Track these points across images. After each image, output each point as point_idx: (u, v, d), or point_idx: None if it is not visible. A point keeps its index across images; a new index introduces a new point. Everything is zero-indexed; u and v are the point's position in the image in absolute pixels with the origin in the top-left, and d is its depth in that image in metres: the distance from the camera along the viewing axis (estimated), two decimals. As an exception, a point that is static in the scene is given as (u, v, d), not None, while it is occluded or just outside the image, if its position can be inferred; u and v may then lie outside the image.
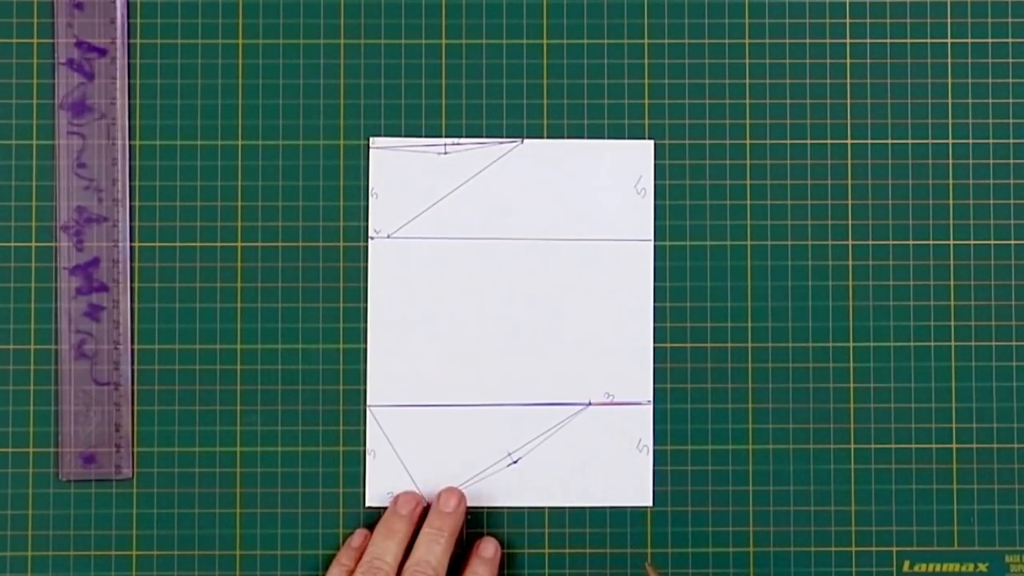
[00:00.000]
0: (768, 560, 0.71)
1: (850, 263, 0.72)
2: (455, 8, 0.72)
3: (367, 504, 0.71)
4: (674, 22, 0.72)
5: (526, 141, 0.72)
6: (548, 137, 0.72)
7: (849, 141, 0.72)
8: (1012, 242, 0.72)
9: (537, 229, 0.71)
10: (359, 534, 0.69)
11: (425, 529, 0.68)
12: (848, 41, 0.72)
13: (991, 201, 0.72)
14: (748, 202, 0.72)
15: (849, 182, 0.72)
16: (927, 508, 0.71)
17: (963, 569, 0.71)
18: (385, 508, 0.70)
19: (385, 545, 0.67)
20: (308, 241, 0.71)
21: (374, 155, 0.71)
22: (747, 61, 0.72)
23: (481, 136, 0.72)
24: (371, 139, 0.71)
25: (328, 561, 0.69)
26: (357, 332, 0.71)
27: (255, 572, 0.70)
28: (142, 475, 0.70)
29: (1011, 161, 0.72)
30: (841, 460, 0.71)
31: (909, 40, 0.72)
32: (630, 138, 0.72)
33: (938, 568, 0.71)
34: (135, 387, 0.70)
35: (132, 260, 0.70)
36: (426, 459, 0.70)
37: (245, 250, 0.71)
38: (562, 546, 0.71)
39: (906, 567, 0.71)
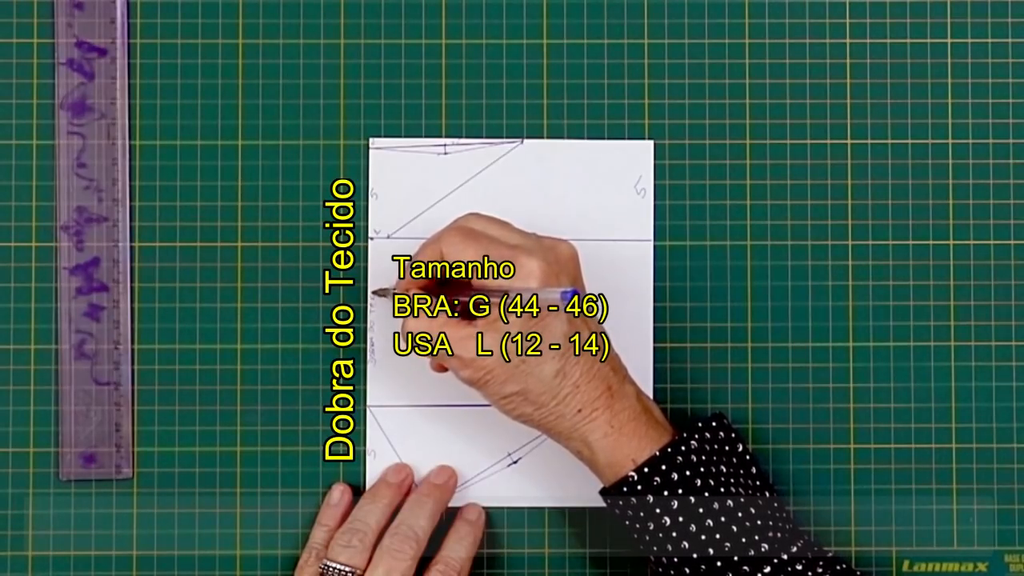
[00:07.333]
0: (768, 560, 0.71)
1: (850, 263, 0.72)
2: (455, 8, 0.72)
3: (367, 504, 0.71)
4: (674, 22, 0.72)
5: (526, 141, 0.72)
6: (548, 137, 0.72)
7: (849, 141, 0.72)
8: (1012, 242, 0.72)
9: (537, 229, 0.71)
10: (336, 490, 0.69)
11: (413, 496, 0.68)
12: (848, 41, 0.72)
13: (991, 201, 0.72)
14: (748, 202, 0.72)
15: (849, 182, 0.72)
16: (927, 508, 0.71)
17: (963, 569, 0.71)
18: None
19: (368, 508, 0.67)
20: (308, 241, 0.71)
21: (374, 155, 0.71)
22: (747, 61, 0.72)
23: (481, 136, 0.72)
24: (371, 139, 0.71)
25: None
26: (357, 332, 0.71)
27: (255, 572, 0.70)
28: (142, 475, 0.70)
29: (1011, 161, 0.72)
30: (841, 460, 0.71)
31: (909, 40, 0.72)
32: (630, 138, 0.72)
33: (938, 568, 0.71)
34: (135, 387, 0.70)
35: (132, 260, 0.70)
36: (426, 459, 0.70)
37: (245, 250, 0.71)
38: (562, 546, 0.71)
39: (906, 567, 0.71)
